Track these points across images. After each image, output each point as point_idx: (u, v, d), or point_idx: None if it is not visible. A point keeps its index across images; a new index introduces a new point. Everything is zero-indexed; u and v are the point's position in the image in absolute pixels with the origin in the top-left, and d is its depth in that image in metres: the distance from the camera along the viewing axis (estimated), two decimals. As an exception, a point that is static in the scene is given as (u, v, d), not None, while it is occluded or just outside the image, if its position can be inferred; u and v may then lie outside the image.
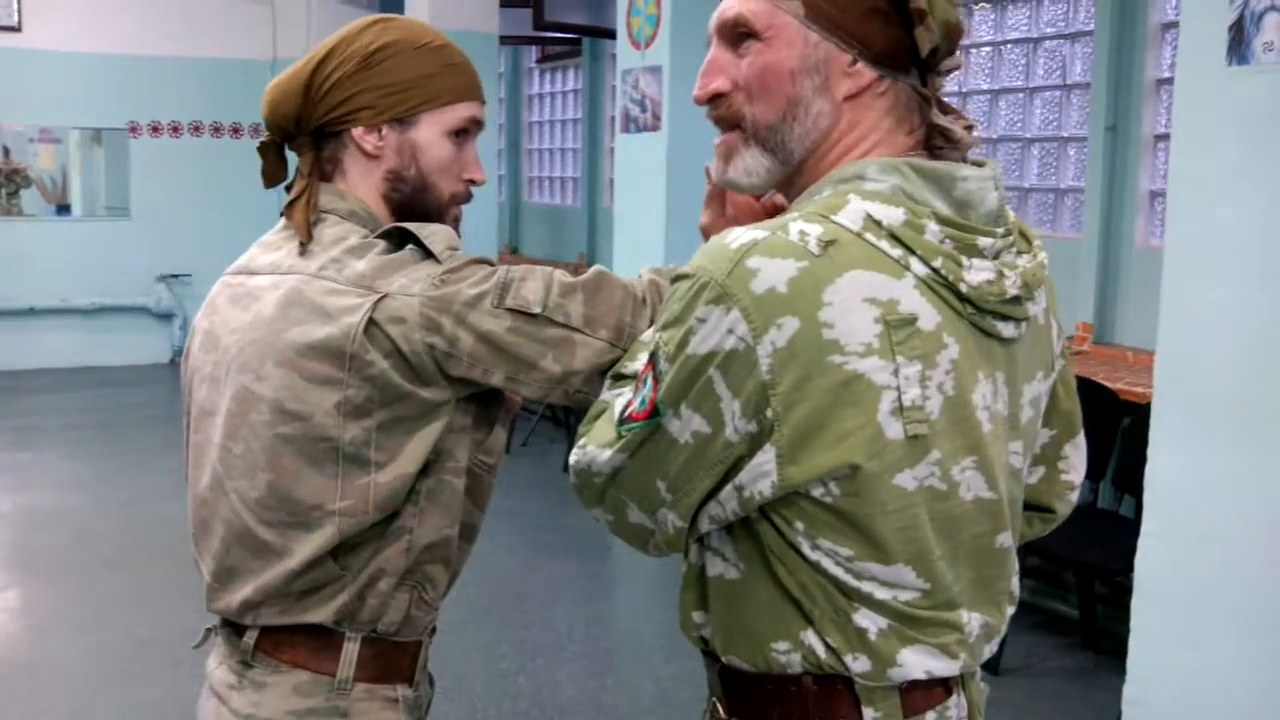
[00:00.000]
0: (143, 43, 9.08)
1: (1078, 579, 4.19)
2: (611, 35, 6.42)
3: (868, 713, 1.12)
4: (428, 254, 1.34)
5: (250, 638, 1.40)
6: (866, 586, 1.09)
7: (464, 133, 1.46)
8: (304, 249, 1.39)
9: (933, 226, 1.07)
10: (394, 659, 1.43)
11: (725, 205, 1.31)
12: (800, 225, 1.05)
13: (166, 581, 4.56)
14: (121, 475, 6.30)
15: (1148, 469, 3.04)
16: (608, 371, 1.30)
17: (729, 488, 1.08)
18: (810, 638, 1.11)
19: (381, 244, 1.37)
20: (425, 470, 1.36)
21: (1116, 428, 4.12)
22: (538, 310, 1.31)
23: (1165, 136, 4.56)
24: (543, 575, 4.88)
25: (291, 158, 1.48)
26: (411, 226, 1.36)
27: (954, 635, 1.13)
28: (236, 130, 9.45)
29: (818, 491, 1.06)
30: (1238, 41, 2.73)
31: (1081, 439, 1.37)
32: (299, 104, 1.41)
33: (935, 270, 1.06)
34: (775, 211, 1.32)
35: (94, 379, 8.85)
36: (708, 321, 1.04)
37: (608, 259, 7.40)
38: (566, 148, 8.97)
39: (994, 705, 1.27)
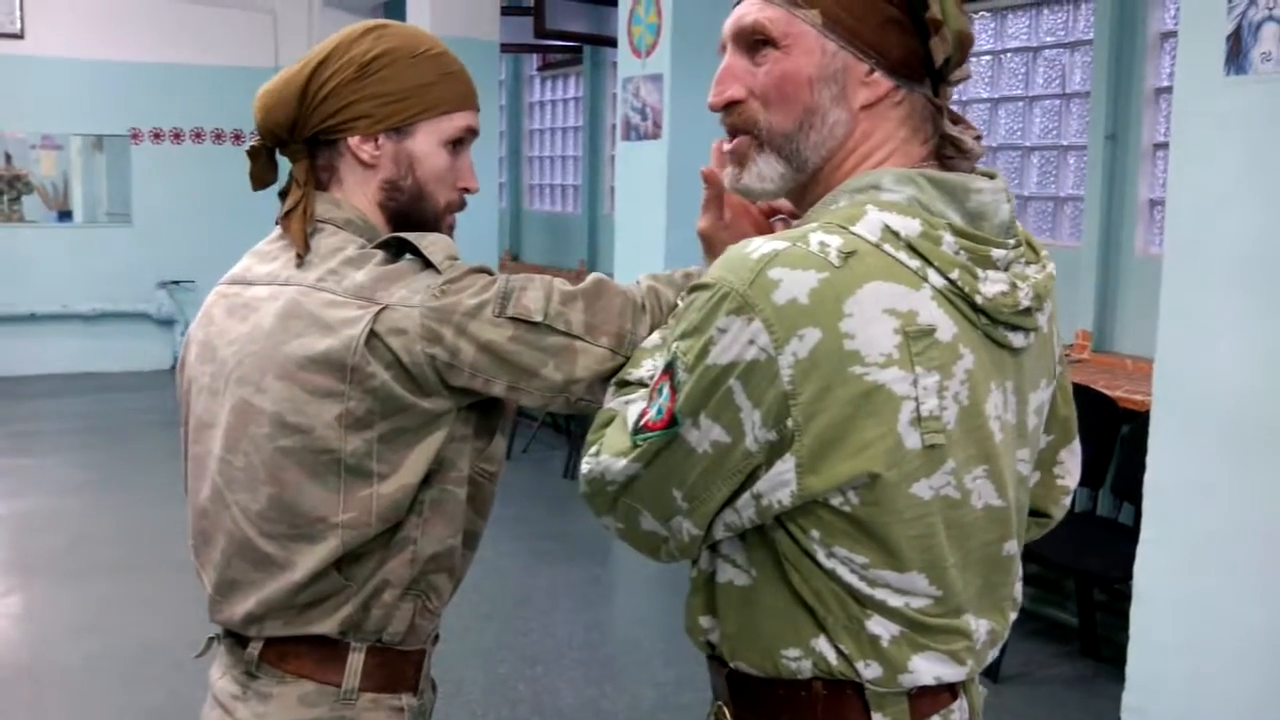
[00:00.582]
0: (144, 50, 9.10)
1: (1077, 586, 4.19)
2: (612, 43, 6.44)
3: (877, 718, 1.13)
4: (426, 264, 1.33)
5: (254, 648, 1.39)
6: (880, 594, 1.10)
7: (460, 142, 1.45)
8: (301, 260, 1.37)
9: (948, 238, 1.08)
10: (399, 668, 1.42)
11: (723, 210, 1.31)
12: (820, 236, 1.06)
13: (167, 586, 4.56)
14: (122, 480, 6.31)
15: (1147, 476, 3.05)
16: (609, 379, 1.30)
17: (746, 496, 1.09)
18: (822, 644, 1.12)
19: (380, 254, 1.35)
20: (428, 480, 1.36)
21: (1116, 435, 4.12)
22: (539, 319, 1.31)
23: (1164, 145, 4.57)
24: (542, 581, 4.88)
25: (281, 162, 1.47)
26: (410, 236, 1.35)
27: (963, 642, 1.15)
28: (238, 137, 9.47)
29: (836, 500, 1.06)
30: (1236, 51, 2.74)
31: (1077, 445, 1.38)
32: (293, 110, 1.39)
33: (952, 281, 1.07)
34: (771, 215, 1.33)
35: (95, 385, 8.86)
36: (729, 332, 1.04)
37: (608, 266, 7.40)
38: (567, 155, 8.98)
39: (993, 713, 1.28)
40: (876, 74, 1.13)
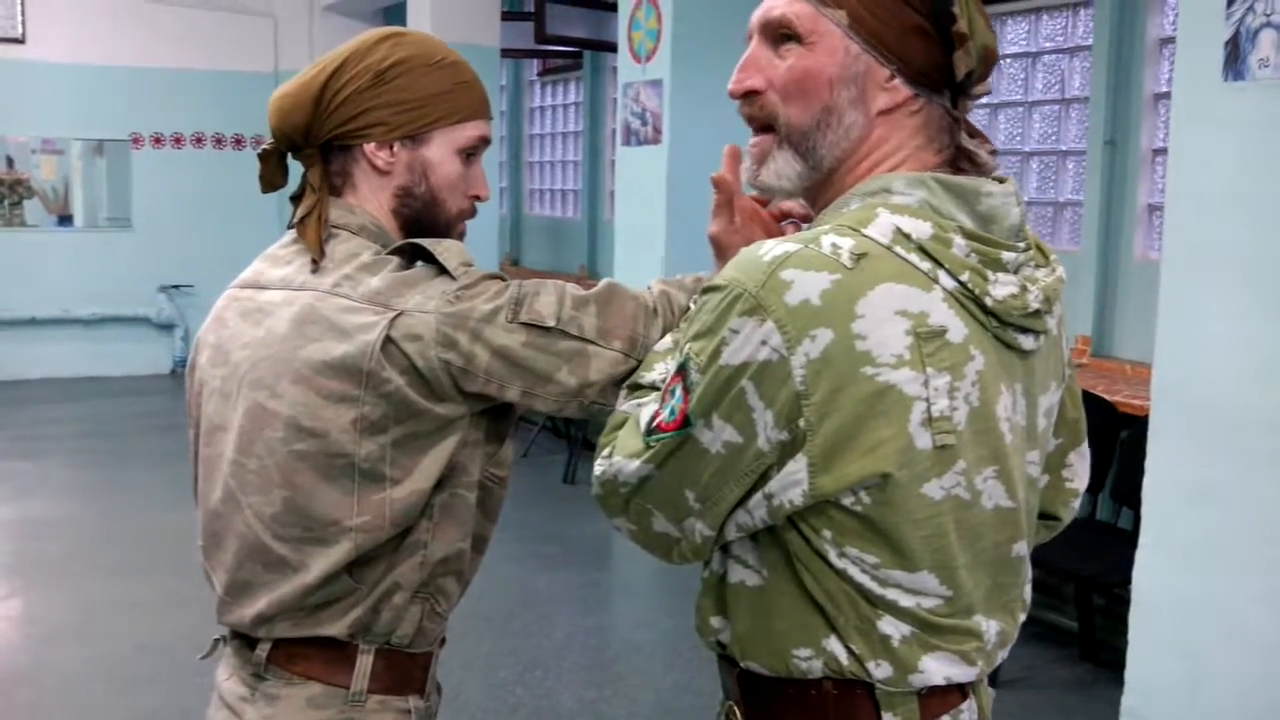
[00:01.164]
0: (145, 55, 9.11)
1: (1076, 591, 4.19)
2: (612, 49, 6.45)
3: (887, 717, 1.14)
4: (441, 270, 1.34)
5: (262, 650, 1.40)
6: (891, 594, 1.11)
7: (473, 150, 1.46)
8: (317, 265, 1.38)
9: (959, 241, 1.09)
10: (407, 670, 1.43)
11: (734, 214, 1.32)
12: (832, 238, 1.07)
13: (167, 589, 4.57)
14: (122, 484, 6.31)
15: (1145, 481, 3.06)
16: (623, 382, 1.31)
17: (758, 496, 1.10)
18: (833, 644, 1.13)
19: (395, 260, 1.36)
20: (439, 485, 1.36)
21: (1115, 440, 4.13)
22: (551, 323, 1.31)
23: (1163, 151, 4.58)
24: (542, 585, 4.88)
25: (292, 166, 1.47)
26: (425, 242, 1.36)
27: (974, 643, 1.16)
28: (239, 142, 9.48)
29: (848, 500, 1.07)
30: (1234, 57, 2.75)
31: (1086, 448, 1.39)
32: (309, 115, 1.40)
33: (962, 284, 1.08)
34: (782, 219, 1.34)
35: (95, 389, 8.86)
36: (741, 333, 1.05)
37: (608, 271, 7.41)
38: (567, 160, 8.99)
39: (993, 716, 1.28)
40: (896, 80, 1.14)
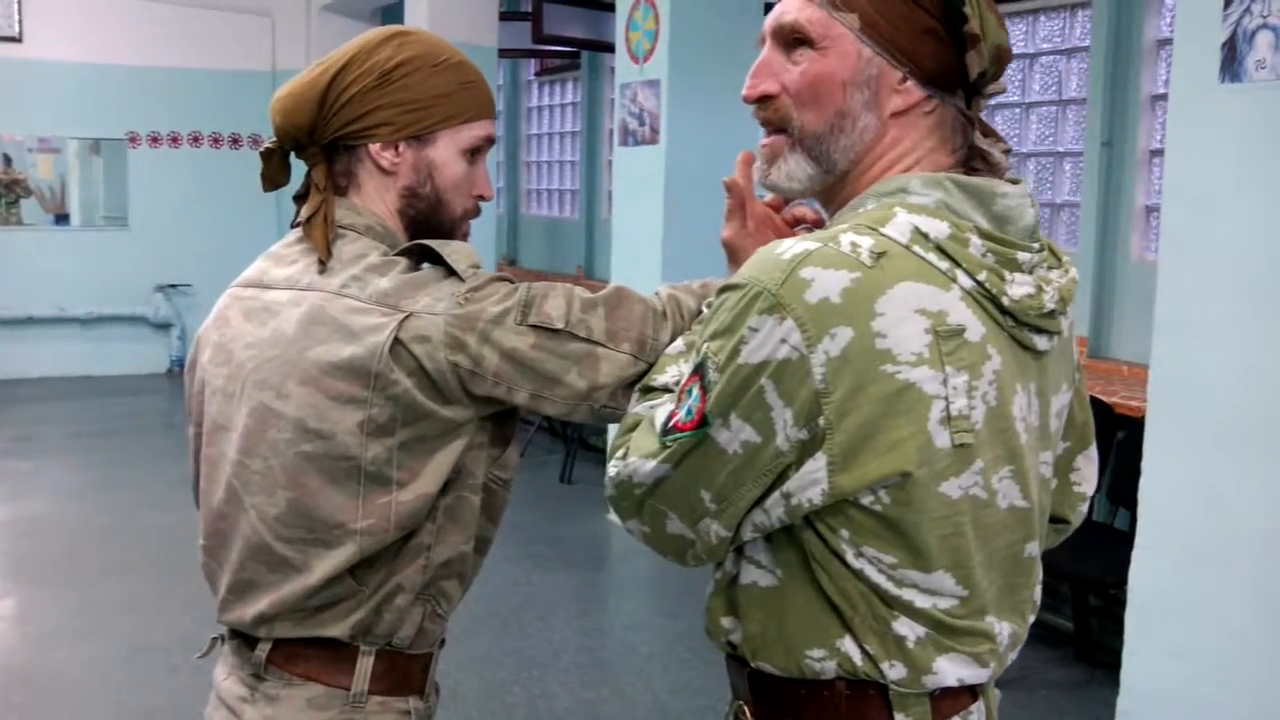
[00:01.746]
0: (142, 54, 9.10)
1: (1072, 592, 4.20)
2: (610, 49, 6.45)
3: (899, 718, 1.14)
4: (449, 272, 1.33)
5: (262, 650, 1.39)
6: (908, 594, 1.11)
7: (478, 150, 1.46)
8: (324, 265, 1.37)
9: (976, 240, 1.09)
10: (407, 671, 1.43)
11: (747, 219, 1.32)
12: (851, 237, 1.07)
13: (164, 589, 4.57)
14: (119, 484, 6.30)
15: (1142, 482, 3.06)
16: (633, 385, 1.31)
17: (775, 495, 1.09)
18: (847, 645, 1.13)
19: (403, 261, 1.36)
20: (444, 488, 1.36)
21: (1111, 441, 4.14)
22: (560, 325, 1.31)
23: (1160, 152, 4.59)
24: (539, 586, 4.88)
25: (295, 165, 1.47)
26: (433, 244, 1.35)
27: (987, 644, 1.16)
28: (236, 141, 9.48)
29: (867, 499, 1.07)
30: (1230, 59, 2.76)
31: (1093, 450, 1.40)
32: (313, 115, 1.38)
33: (980, 283, 1.09)
34: (795, 224, 1.35)
35: (91, 388, 8.85)
36: (760, 331, 1.05)
37: (605, 272, 7.42)
38: (565, 160, 9.00)
39: (992, 716, 1.29)
40: (909, 83, 1.15)
